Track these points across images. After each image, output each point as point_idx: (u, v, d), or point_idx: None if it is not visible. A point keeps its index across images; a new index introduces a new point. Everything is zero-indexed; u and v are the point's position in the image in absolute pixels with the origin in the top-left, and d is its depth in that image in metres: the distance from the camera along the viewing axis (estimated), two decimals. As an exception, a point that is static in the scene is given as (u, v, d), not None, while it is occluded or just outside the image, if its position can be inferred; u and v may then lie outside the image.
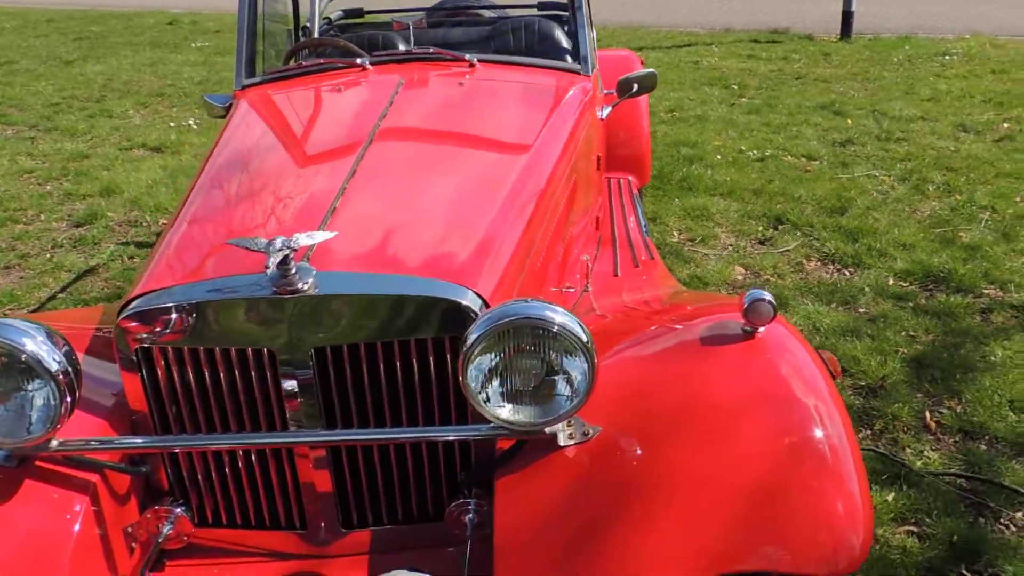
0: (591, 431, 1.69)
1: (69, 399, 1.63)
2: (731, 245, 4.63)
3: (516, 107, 2.93)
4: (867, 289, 4.04)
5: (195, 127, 7.35)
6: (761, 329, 1.74)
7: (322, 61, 3.16)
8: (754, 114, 7.05)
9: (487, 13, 4.44)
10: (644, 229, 3.66)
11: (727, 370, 1.70)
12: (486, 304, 1.76)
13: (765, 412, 1.62)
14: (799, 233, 4.72)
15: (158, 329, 1.75)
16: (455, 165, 2.38)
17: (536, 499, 1.64)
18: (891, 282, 4.12)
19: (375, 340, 1.74)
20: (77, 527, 1.68)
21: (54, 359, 1.62)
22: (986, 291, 3.98)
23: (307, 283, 1.69)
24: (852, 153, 6.00)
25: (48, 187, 5.94)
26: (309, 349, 1.73)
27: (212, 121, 7.51)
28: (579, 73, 3.22)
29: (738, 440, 1.60)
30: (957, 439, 3.01)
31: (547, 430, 1.67)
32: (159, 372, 1.80)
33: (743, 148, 6.17)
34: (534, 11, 4.59)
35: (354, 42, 3.37)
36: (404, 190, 2.15)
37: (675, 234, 4.79)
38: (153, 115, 7.86)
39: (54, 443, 1.71)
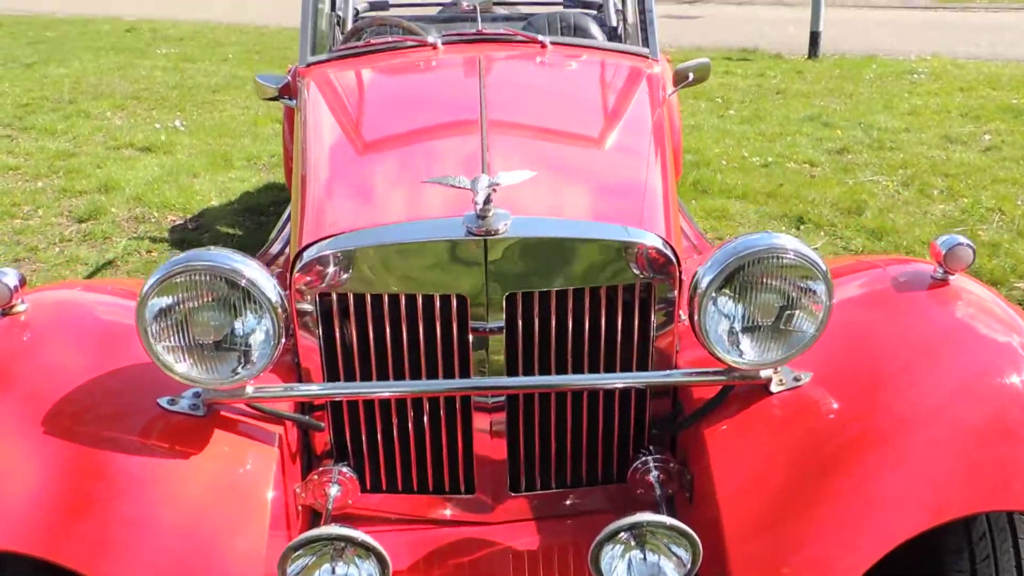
0: (803, 377, 1.65)
1: (284, 339, 1.51)
2: (758, 242, 4.68)
3: (599, 82, 2.92)
4: (903, 282, 4.11)
5: (183, 128, 7.12)
6: (954, 276, 1.74)
7: (390, 39, 3.09)
8: (746, 124, 7.18)
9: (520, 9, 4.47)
10: (691, 219, 3.70)
11: (929, 314, 1.70)
12: (670, 246, 1.71)
13: (974, 352, 1.62)
14: (822, 232, 4.80)
15: (338, 275, 1.65)
16: (577, 127, 2.34)
17: (752, 447, 1.60)
18: (923, 276, 4.21)
19: (568, 287, 1.68)
20: (271, 479, 1.55)
21: (274, 289, 1.50)
22: (1017, 284, 4.10)
23: (505, 224, 1.62)
24: (850, 161, 6.15)
25: (39, 183, 5.66)
26: (503, 295, 1.66)
27: (201, 122, 7.30)
28: (647, 57, 3.22)
29: (952, 381, 1.58)
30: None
31: (762, 374, 1.63)
32: (335, 324, 1.69)
33: (746, 154, 6.27)
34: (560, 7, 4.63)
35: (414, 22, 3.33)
36: (544, 147, 2.11)
37: (703, 233, 4.81)
38: (133, 117, 7.59)
39: (250, 389, 1.58)
